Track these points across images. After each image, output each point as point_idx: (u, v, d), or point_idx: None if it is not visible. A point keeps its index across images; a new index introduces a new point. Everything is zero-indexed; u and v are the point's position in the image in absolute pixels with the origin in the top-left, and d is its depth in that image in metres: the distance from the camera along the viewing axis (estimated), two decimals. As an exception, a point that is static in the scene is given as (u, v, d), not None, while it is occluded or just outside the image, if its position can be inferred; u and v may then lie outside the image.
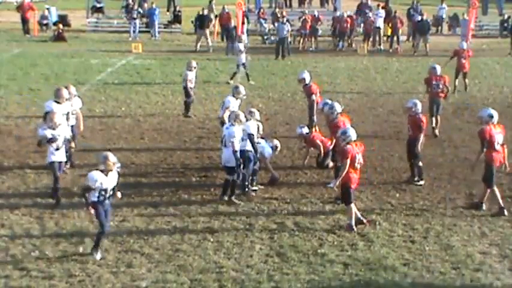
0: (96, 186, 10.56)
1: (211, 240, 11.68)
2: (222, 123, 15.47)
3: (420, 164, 14.51)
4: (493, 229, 12.11)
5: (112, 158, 10.66)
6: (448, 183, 14.67)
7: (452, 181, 14.83)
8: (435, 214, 12.91)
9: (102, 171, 10.58)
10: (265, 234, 11.91)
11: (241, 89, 15.87)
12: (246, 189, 13.73)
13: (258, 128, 14.12)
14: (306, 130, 15.77)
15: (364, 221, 12.12)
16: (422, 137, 14.33)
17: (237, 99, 15.61)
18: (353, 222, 12.02)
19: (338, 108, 14.09)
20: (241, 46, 25.59)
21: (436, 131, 18.24)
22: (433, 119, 18.23)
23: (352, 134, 12.14)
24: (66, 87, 15.22)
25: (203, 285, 10.10)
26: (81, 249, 11.17)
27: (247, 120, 14.05)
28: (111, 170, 10.67)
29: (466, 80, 23.59)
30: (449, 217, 12.77)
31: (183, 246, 11.40)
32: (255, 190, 14.00)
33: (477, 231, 12.09)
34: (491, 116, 12.97)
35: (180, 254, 11.12)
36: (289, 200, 13.65)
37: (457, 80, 23.27)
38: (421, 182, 14.48)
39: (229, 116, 13.86)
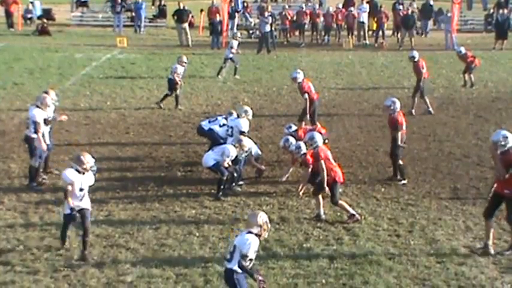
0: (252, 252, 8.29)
1: (197, 234, 11.67)
2: (201, 129, 15.37)
3: (400, 162, 14.32)
4: (477, 223, 12.16)
5: (263, 217, 8.33)
6: (432, 178, 14.73)
7: (437, 175, 14.88)
8: (420, 208, 12.97)
9: (256, 234, 8.26)
10: (250, 229, 11.90)
11: (249, 110, 14.95)
12: (233, 184, 13.78)
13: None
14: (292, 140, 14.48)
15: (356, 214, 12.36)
16: (400, 135, 14.07)
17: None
18: (321, 211, 12.42)
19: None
20: (235, 43, 25.43)
21: (431, 109, 19.98)
22: (426, 99, 19.96)
23: (319, 139, 12.58)
24: (45, 93, 14.39)
25: (189, 279, 10.09)
26: (66, 244, 11.12)
27: (238, 117, 14.16)
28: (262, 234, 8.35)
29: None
30: (434, 211, 12.82)
31: (168, 241, 11.39)
32: (241, 185, 14.00)
33: (462, 226, 12.16)
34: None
35: (166, 248, 11.11)
36: (274, 194, 13.67)
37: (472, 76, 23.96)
38: (404, 181, 14.28)
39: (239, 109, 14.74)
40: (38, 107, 13.72)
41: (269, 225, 8.35)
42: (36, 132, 13.58)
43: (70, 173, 10.47)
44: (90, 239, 11.09)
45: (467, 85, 23.59)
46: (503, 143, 10.81)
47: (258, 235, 8.24)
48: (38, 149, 13.69)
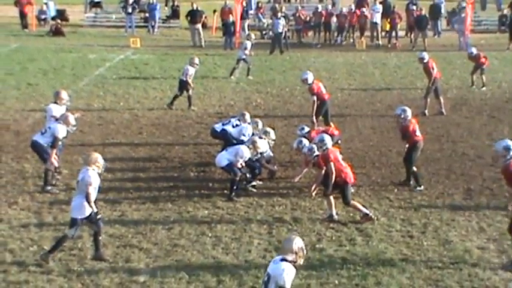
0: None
1: (210, 235, 11.69)
2: (214, 131, 15.38)
3: (414, 169, 14.05)
4: (491, 224, 12.12)
5: (299, 243, 7.66)
6: (446, 179, 14.67)
7: (450, 176, 14.83)
8: (433, 209, 12.93)
9: (291, 261, 7.53)
10: (263, 229, 11.92)
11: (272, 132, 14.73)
12: (247, 184, 13.87)
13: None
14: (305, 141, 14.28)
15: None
16: (415, 143, 13.85)
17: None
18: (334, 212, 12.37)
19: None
20: (248, 44, 25.42)
21: (443, 110, 19.89)
22: (441, 99, 20.01)
23: (328, 141, 12.54)
24: (57, 93, 14.86)
25: (201, 280, 10.10)
26: (79, 244, 11.17)
27: (260, 138, 14.04)
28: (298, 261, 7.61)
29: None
30: (448, 212, 12.78)
31: (181, 241, 11.41)
32: (254, 185, 14.01)
33: (475, 227, 12.11)
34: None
35: (179, 249, 11.13)
36: (287, 194, 13.67)
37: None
38: (420, 188, 13.93)
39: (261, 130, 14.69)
40: (60, 123, 13.67)
41: (305, 252, 7.64)
42: (53, 147, 13.54)
43: (94, 175, 10.38)
44: (103, 239, 11.12)
45: (479, 86, 23.39)
46: (504, 154, 10.40)
47: (293, 262, 7.49)
48: (57, 146, 13.69)
